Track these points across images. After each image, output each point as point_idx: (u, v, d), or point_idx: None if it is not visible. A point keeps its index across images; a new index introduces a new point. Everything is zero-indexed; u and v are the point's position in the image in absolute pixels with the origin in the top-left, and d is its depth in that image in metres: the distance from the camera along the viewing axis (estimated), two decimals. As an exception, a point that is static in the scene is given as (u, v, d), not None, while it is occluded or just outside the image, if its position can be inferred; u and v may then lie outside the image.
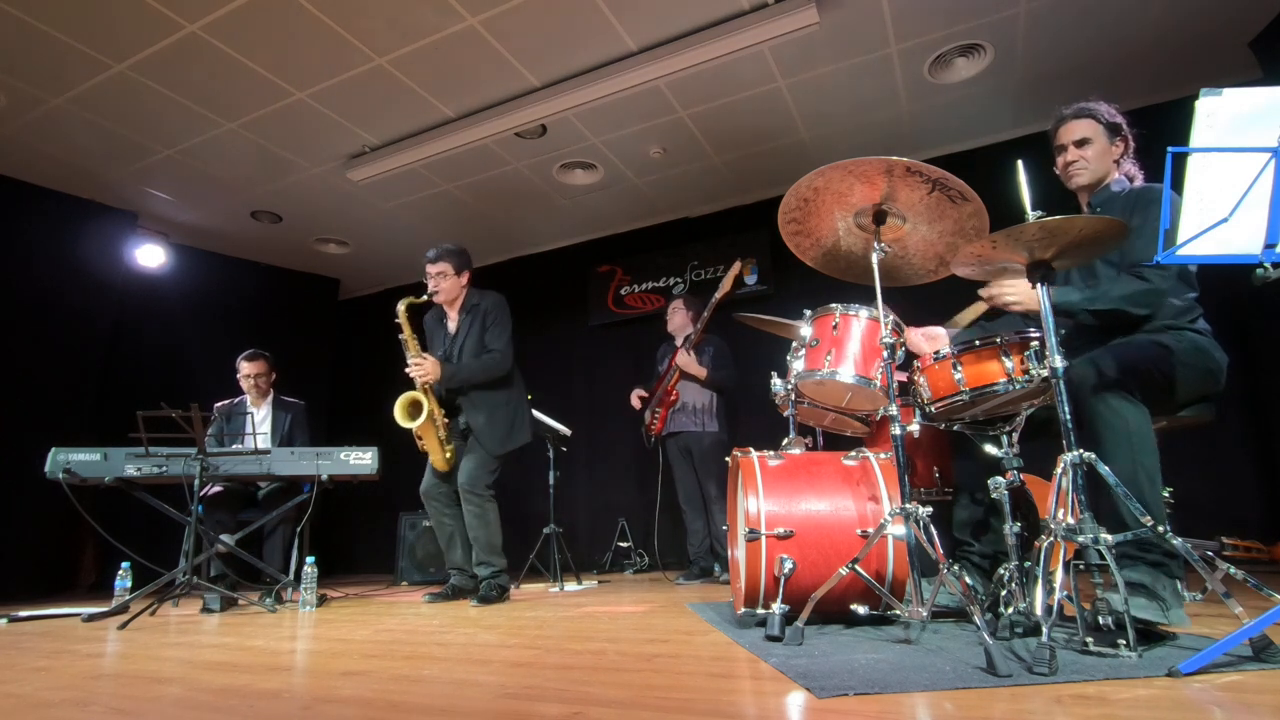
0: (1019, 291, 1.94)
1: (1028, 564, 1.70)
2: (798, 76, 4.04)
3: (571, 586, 3.92)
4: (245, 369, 4.01)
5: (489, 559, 3.21)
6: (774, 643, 1.70)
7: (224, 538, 3.37)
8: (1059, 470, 1.53)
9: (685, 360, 4.11)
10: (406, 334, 3.29)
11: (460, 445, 3.37)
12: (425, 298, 3.38)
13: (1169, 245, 1.34)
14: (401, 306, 3.33)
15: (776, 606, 1.82)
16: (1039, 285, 1.63)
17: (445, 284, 3.38)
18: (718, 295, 4.05)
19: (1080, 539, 1.45)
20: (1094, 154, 2.09)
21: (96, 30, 3.48)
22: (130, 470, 3.26)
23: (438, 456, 3.29)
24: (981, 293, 2.01)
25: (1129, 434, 1.68)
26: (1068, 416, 1.54)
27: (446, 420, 3.32)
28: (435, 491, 3.35)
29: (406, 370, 3.21)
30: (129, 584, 3.27)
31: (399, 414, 3.17)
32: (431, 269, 3.37)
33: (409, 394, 3.21)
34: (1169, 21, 3.64)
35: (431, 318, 3.53)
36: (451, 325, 3.45)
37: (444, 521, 3.35)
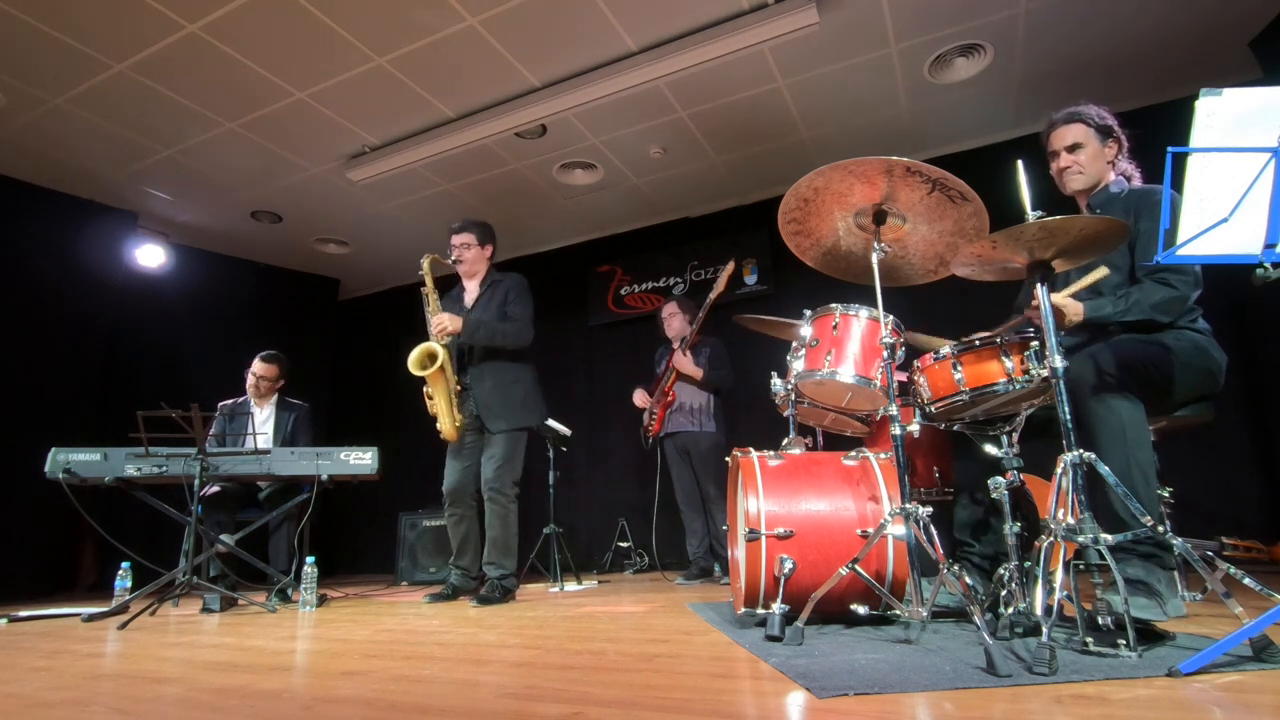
0: (1064, 306, 1.90)
1: (1028, 564, 1.70)
2: (798, 76, 4.04)
3: (571, 586, 3.92)
4: (256, 368, 4.01)
5: (501, 560, 3.18)
6: (774, 643, 1.70)
7: (224, 538, 3.37)
8: (1059, 470, 1.53)
9: (681, 361, 4.11)
10: (429, 287, 3.29)
11: (475, 441, 3.31)
12: (449, 261, 3.38)
13: (1169, 245, 1.34)
14: (426, 261, 3.31)
15: (776, 606, 1.82)
16: (1040, 285, 1.63)
17: (469, 254, 3.38)
18: (712, 296, 4.05)
19: (1080, 539, 1.45)
20: (1087, 158, 2.10)
21: (96, 30, 3.48)
22: (130, 470, 3.26)
23: (446, 419, 3.18)
24: (1028, 310, 1.98)
25: (1123, 429, 1.68)
26: (1068, 416, 1.54)
27: (459, 388, 3.25)
28: (462, 493, 3.27)
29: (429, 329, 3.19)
30: (129, 584, 3.26)
31: (413, 361, 3.10)
32: (456, 239, 3.39)
33: (426, 344, 3.14)
34: (1169, 22, 3.64)
35: (449, 297, 3.50)
36: (469, 299, 3.42)
37: (462, 523, 3.30)
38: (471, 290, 3.45)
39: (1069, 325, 1.89)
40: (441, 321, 3.15)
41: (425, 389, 3.21)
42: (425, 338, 3.26)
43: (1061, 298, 1.87)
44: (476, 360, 3.29)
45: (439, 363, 3.10)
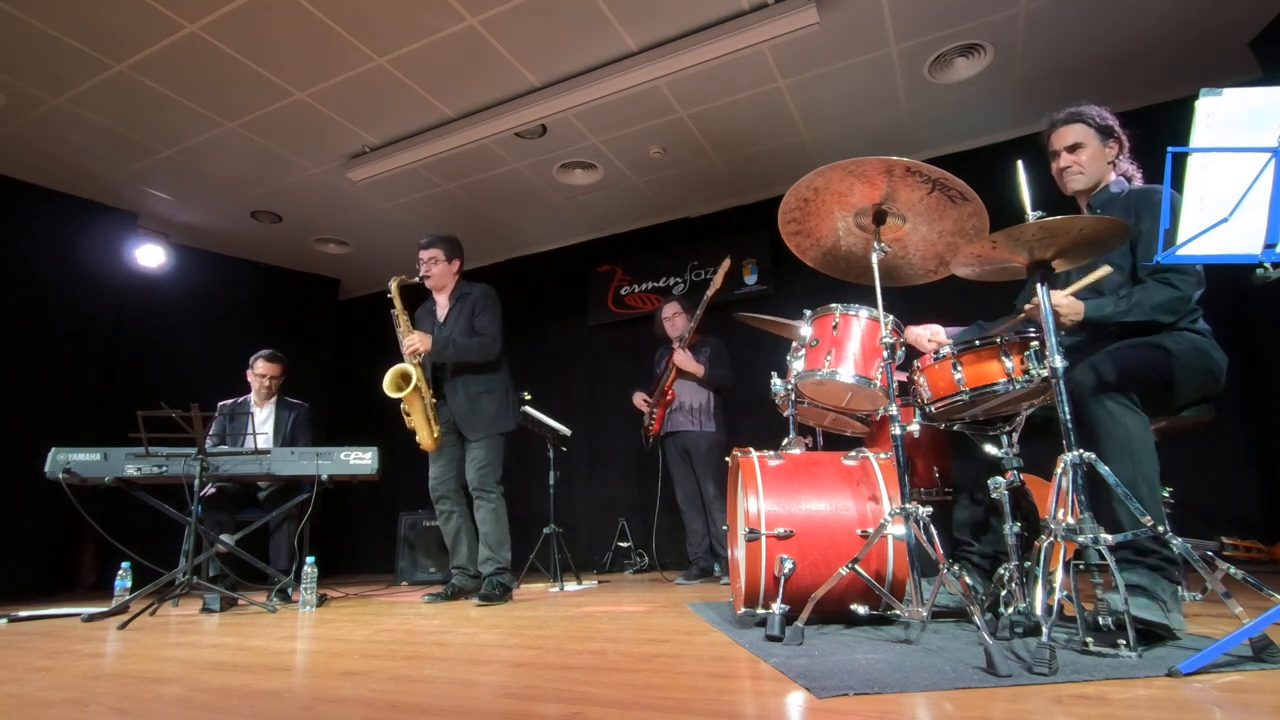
0: (1064, 304, 1.88)
1: (1028, 564, 1.70)
2: (798, 76, 4.04)
3: (571, 586, 3.92)
4: (261, 368, 4.01)
5: (496, 555, 3.26)
6: (774, 643, 1.70)
7: (224, 538, 3.37)
8: (1059, 470, 1.53)
9: (682, 358, 4.11)
10: (399, 309, 3.38)
11: (454, 442, 3.39)
12: (416, 279, 3.45)
13: (1169, 245, 1.34)
14: (394, 284, 3.41)
15: (776, 606, 1.82)
16: (1040, 285, 1.63)
17: (436, 269, 3.45)
18: (709, 293, 4.06)
19: (1080, 539, 1.45)
20: (1087, 158, 2.10)
21: (96, 30, 3.48)
22: (130, 470, 3.26)
23: (424, 433, 3.29)
24: (1026, 307, 1.97)
25: (1129, 441, 1.67)
26: (1068, 417, 1.53)
27: (435, 400, 3.34)
28: (444, 489, 3.37)
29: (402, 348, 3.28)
30: (129, 584, 3.27)
31: (388, 384, 3.20)
32: (424, 254, 3.46)
33: (399, 365, 3.25)
34: (1169, 21, 3.64)
35: (422, 310, 3.58)
36: (440, 312, 3.50)
37: (452, 519, 3.38)
38: (442, 304, 3.53)
39: (1069, 324, 1.89)
40: (413, 342, 3.25)
41: (402, 406, 3.27)
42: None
43: (1062, 296, 1.87)
44: (450, 375, 3.38)
45: (414, 384, 3.20)
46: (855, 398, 2.29)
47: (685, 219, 5.76)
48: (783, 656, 1.52)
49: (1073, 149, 2.11)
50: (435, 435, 3.30)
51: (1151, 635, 1.51)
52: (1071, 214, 1.52)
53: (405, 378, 3.22)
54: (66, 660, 1.93)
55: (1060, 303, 1.86)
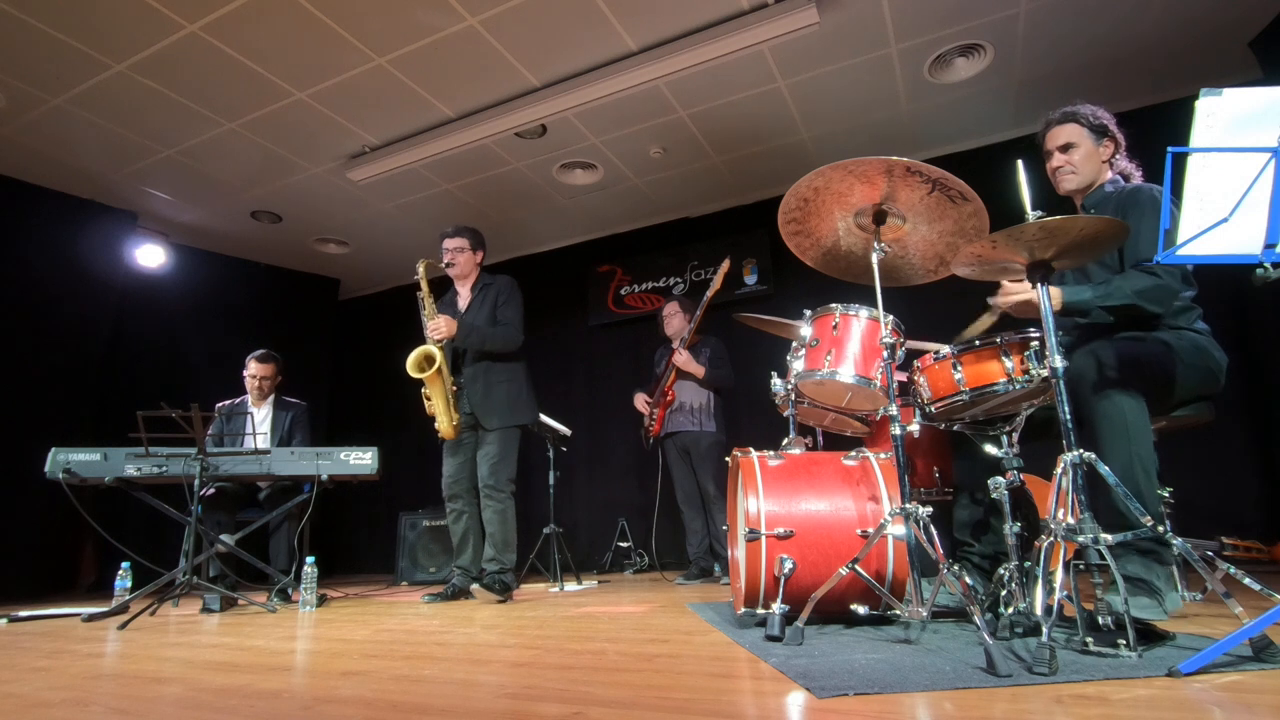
0: (1035, 294, 1.88)
1: (1028, 564, 1.70)
2: (798, 76, 4.04)
3: (571, 586, 3.92)
4: (254, 369, 4.01)
5: (502, 556, 3.26)
6: (774, 643, 1.70)
7: (224, 538, 3.37)
8: (1059, 470, 1.53)
9: (683, 358, 4.11)
10: (424, 292, 3.38)
11: (470, 440, 3.38)
12: (443, 265, 3.46)
13: (1169, 245, 1.34)
14: (422, 265, 3.41)
15: (776, 606, 1.82)
16: (1039, 285, 1.63)
17: (461, 259, 3.47)
18: (708, 294, 4.07)
19: (1080, 539, 1.45)
20: (1080, 158, 2.10)
21: (96, 30, 3.48)
22: (130, 470, 3.26)
23: (444, 419, 3.27)
24: (992, 300, 1.98)
25: (1126, 424, 1.68)
26: (1068, 417, 1.53)
27: (455, 388, 3.33)
28: (458, 488, 3.35)
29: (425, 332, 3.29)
30: (129, 584, 3.26)
31: (411, 364, 3.20)
32: (449, 243, 3.48)
33: (423, 347, 3.25)
34: (1169, 22, 3.64)
35: (444, 302, 3.57)
36: (462, 302, 3.51)
37: (462, 519, 3.36)
38: (464, 294, 3.53)
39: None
40: (438, 325, 3.25)
41: (423, 390, 3.27)
42: (423, 339, 3.31)
43: (1029, 291, 1.88)
44: (471, 361, 3.37)
45: (436, 365, 3.19)
46: (855, 398, 2.29)
47: (685, 219, 5.76)
48: (783, 656, 1.52)
49: (1065, 149, 2.11)
50: (455, 423, 3.28)
51: (1151, 635, 1.51)
52: (1070, 213, 1.52)
53: (429, 359, 3.22)
54: (66, 660, 1.93)
55: (1032, 293, 1.86)
